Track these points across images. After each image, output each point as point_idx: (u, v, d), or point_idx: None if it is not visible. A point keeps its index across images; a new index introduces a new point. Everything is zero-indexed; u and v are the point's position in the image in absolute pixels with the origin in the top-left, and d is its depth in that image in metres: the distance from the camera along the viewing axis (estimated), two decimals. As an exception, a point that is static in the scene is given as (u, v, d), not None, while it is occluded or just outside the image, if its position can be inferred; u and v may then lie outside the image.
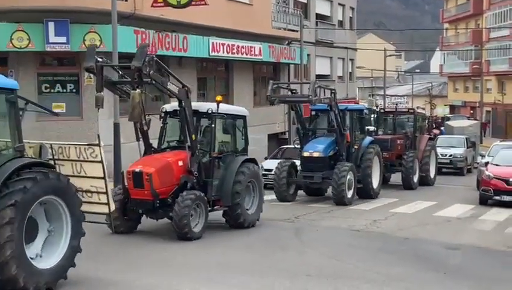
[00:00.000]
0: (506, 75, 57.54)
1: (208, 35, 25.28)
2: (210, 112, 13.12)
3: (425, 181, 24.26)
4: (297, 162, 19.08)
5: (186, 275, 9.61)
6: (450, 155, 30.11)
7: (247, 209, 13.78)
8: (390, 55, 56.98)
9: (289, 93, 19.45)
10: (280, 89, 19.33)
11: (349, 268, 10.54)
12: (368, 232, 14.06)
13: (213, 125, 13.14)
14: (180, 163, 12.62)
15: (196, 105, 13.45)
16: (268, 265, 10.48)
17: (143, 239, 12.20)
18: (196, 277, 9.52)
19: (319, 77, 40.38)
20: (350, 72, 46.74)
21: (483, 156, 25.46)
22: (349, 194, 17.97)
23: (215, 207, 13.40)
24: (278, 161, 20.19)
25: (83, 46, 19.25)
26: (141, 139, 12.86)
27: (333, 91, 18.64)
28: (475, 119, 48.95)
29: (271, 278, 9.56)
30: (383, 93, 57.51)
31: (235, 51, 27.15)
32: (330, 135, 19.08)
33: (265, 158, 23.21)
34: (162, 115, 13.78)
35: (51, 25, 19.12)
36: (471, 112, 56.31)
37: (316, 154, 18.45)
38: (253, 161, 14.11)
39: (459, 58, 68.05)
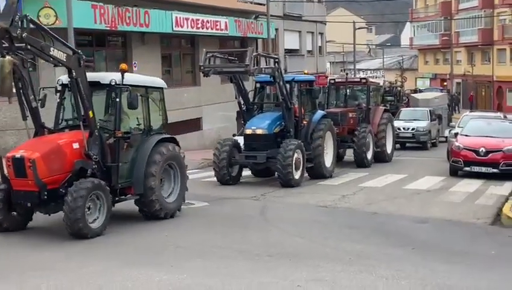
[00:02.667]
0: (476, 47, 57.59)
1: (170, 10, 24.55)
2: (113, 83, 11.09)
3: (381, 157, 22.18)
4: (241, 140, 17.16)
5: (141, 260, 9.06)
6: (413, 129, 28.51)
7: (165, 197, 11.97)
8: (359, 28, 56.46)
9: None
10: (216, 59, 16.78)
11: (314, 247, 10.10)
12: (336, 208, 13.65)
13: (117, 100, 11.09)
14: (76, 145, 10.66)
15: (97, 76, 11.69)
16: (230, 246, 9.99)
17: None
18: (150, 261, 8.97)
19: (288, 51, 39.84)
20: (320, 47, 46.17)
21: (453, 127, 25.09)
22: (297, 174, 16.22)
23: (126, 196, 11.55)
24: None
25: (38, 22, 18.41)
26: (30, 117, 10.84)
27: (276, 60, 17.04)
28: (448, 92, 48.52)
29: (231, 260, 9.06)
30: (353, 67, 57.09)
31: (200, 25, 26.48)
32: (278, 110, 17.17)
33: (234, 135, 22.65)
34: (59, 88, 11.50)
35: (1, 1, 18.19)
36: (445, 84, 56.11)
37: (259, 131, 16.55)
38: (172, 140, 12.30)
39: (429, 30, 67.98)
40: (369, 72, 49.66)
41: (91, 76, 11.17)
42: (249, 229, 11.37)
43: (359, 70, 55.35)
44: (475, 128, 19.94)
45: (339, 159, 21.39)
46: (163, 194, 11.88)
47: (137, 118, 11.90)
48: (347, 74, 26.92)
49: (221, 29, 28.30)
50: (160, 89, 12.60)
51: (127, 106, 11.19)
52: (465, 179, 18.20)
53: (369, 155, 21.20)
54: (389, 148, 22.95)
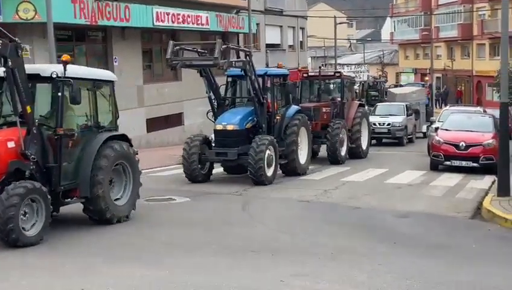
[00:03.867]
0: (455, 41, 57.96)
1: (151, 4, 24.42)
2: (54, 76, 10.06)
3: (356, 153, 21.60)
4: (213, 136, 16.59)
5: (123, 256, 9.00)
6: (388, 124, 27.78)
7: (115, 200, 11.07)
8: (340, 23, 56.50)
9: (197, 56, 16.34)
10: (184, 52, 15.93)
11: (297, 241, 10.10)
12: (318, 203, 13.65)
13: (59, 94, 10.08)
14: (11, 144, 9.66)
15: (37, 68, 10.67)
16: (212, 241, 9.94)
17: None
18: (132, 257, 8.92)
19: (269, 46, 39.82)
20: (301, 41, 46.21)
21: (432, 122, 25.15)
22: (269, 171, 15.70)
23: (71, 199, 10.59)
24: None
25: (16, 16, 18.23)
26: None
27: (248, 53, 16.32)
28: (429, 87, 48.28)
29: (213, 256, 9.04)
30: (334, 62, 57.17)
31: (180, 20, 26.39)
32: (250, 105, 16.51)
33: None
34: None
35: None
36: (427, 78, 56.22)
37: (230, 127, 15.90)
38: (123, 138, 11.34)
39: (409, 25, 68.29)
40: (353, 66, 49.24)
41: (31, 68, 10.24)
42: (231, 224, 11.33)
43: (341, 64, 55.21)
44: (455, 123, 20.07)
45: (313, 155, 20.71)
46: (112, 196, 10.99)
47: (85, 114, 10.97)
48: (320, 67, 26.00)
49: (202, 24, 28.22)
50: (110, 82, 11.59)
51: (69, 101, 10.21)
52: (445, 173, 18.33)
53: (343, 151, 20.58)
54: (364, 144, 22.31)
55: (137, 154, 11.62)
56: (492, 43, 50.78)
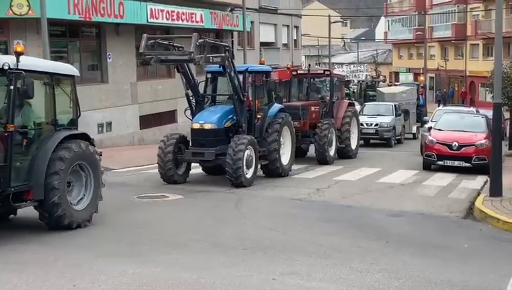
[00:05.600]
0: (449, 41, 58.12)
1: (145, 1, 24.37)
2: (6, 67, 9.25)
3: (345, 153, 21.28)
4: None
5: (115, 253, 8.98)
6: (376, 124, 27.07)
7: (74, 204, 10.28)
8: (334, 22, 56.59)
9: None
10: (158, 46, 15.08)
11: (289, 240, 10.09)
12: (311, 202, 13.66)
13: (11, 87, 9.25)
14: None
15: None
16: (204, 239, 9.94)
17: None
18: (125, 254, 8.90)
19: (263, 44, 39.83)
20: (295, 40, 46.25)
21: (425, 122, 25.11)
22: (249, 173, 15.08)
23: (25, 202, 9.74)
24: None
25: (10, 12, 18.15)
26: None
27: (227, 48, 15.51)
28: (422, 87, 47.62)
29: (206, 253, 9.03)
30: (328, 61, 57.20)
31: (175, 17, 26.36)
32: (230, 103, 15.81)
33: None
34: None
35: None
36: (422, 78, 55.92)
37: (208, 126, 15.19)
38: (84, 137, 10.55)
39: (403, 25, 68.46)
40: (351, 66, 48.78)
41: None
42: (224, 222, 11.32)
43: (339, 64, 55.05)
44: (448, 123, 20.13)
45: (301, 155, 20.89)
46: (71, 200, 10.19)
47: (41, 111, 10.24)
48: (309, 65, 25.45)
49: (197, 21, 28.18)
50: (71, 76, 10.70)
51: (21, 95, 9.35)
52: (438, 172, 18.37)
53: (332, 151, 20.21)
54: (353, 143, 21.98)
55: (100, 154, 10.91)
56: (485, 43, 50.94)
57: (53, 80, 10.24)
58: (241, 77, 15.79)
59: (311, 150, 20.92)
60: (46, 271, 7.93)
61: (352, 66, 48.31)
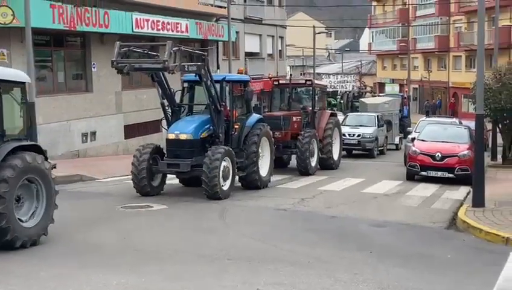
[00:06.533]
0: (432, 53, 58.66)
1: (131, 11, 24.34)
2: None
3: (327, 164, 21.11)
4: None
5: (99, 263, 8.92)
6: (358, 135, 27.03)
7: (22, 221, 9.53)
8: (319, 33, 56.94)
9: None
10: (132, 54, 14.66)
11: (273, 250, 10.09)
12: (295, 212, 13.66)
13: None
14: None
15: None
16: (188, 249, 9.91)
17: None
18: (108, 264, 8.85)
19: (248, 54, 39.93)
20: (280, 50, 46.41)
21: (409, 132, 25.28)
22: (226, 185, 14.71)
23: None
24: None
25: None
26: None
27: (204, 56, 14.99)
28: (407, 98, 47.32)
29: (190, 264, 9.00)
30: (313, 71, 57.47)
31: (160, 27, 26.35)
32: (208, 113, 15.36)
33: None
34: None
35: None
36: (406, 90, 56.08)
37: (183, 137, 14.81)
38: (35, 148, 9.86)
39: (387, 36, 69.03)
40: (339, 76, 48.68)
41: None
42: (208, 232, 11.29)
43: (326, 74, 55.13)
44: (431, 134, 20.27)
45: (283, 165, 20.88)
46: (20, 216, 9.53)
47: None
48: (291, 75, 25.27)
49: (182, 31, 28.19)
50: (22, 84, 10.03)
51: None
52: (421, 183, 18.47)
53: (313, 162, 19.96)
54: (335, 154, 21.85)
55: (54, 167, 10.35)
56: (468, 55, 51.48)
57: (0, 86, 9.50)
58: (218, 86, 15.46)
59: (293, 161, 20.73)
60: (29, 282, 7.87)
61: (339, 76, 48.31)
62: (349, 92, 44.35)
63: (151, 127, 27.29)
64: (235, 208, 13.83)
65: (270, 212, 13.50)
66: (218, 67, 32.99)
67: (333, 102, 42.84)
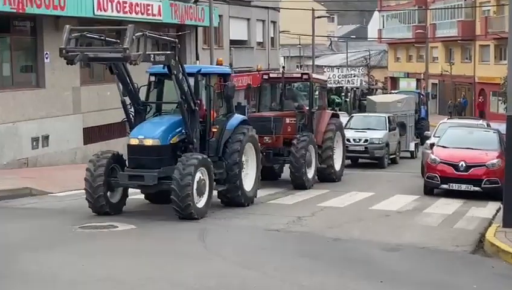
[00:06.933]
0: (455, 42, 58.86)
1: (92, -10, 24.35)
2: None
3: (327, 176, 21.02)
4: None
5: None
6: (365, 140, 26.92)
7: None
8: (319, 17, 57.08)
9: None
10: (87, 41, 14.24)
11: (261, 278, 10.10)
12: (289, 233, 13.70)
13: None
14: None
15: None
16: (161, 277, 9.91)
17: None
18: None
19: (234, 42, 40.04)
20: (272, 38, 46.56)
21: (427, 137, 25.31)
22: (201, 202, 14.41)
23: None
24: None
25: None
26: None
27: (174, 44, 14.51)
28: (425, 95, 46.69)
29: (162, 296, 9.01)
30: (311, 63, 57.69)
31: (127, 9, 26.44)
32: (179, 113, 14.94)
33: None
34: None
35: None
36: (424, 85, 56.11)
37: (148, 142, 14.34)
38: None
39: (401, 21, 69.40)
40: (344, 69, 48.58)
41: None
42: (184, 257, 11.31)
43: (330, 67, 55.17)
44: (454, 139, 20.35)
45: (274, 177, 20.90)
46: None
47: None
48: (284, 67, 25.09)
49: (154, 15, 28.27)
50: None
51: None
52: (442, 198, 18.57)
53: (310, 173, 19.83)
54: (337, 164, 21.69)
55: None
56: (498, 44, 51.77)
57: None
58: (192, 80, 15.05)
59: (286, 171, 20.64)
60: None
61: (344, 69, 48.10)
62: (357, 88, 44.40)
63: (116, 130, 27.22)
64: (217, 228, 13.86)
65: (259, 234, 13.53)
66: (197, 58, 33.06)
67: (337, 100, 43.00)
